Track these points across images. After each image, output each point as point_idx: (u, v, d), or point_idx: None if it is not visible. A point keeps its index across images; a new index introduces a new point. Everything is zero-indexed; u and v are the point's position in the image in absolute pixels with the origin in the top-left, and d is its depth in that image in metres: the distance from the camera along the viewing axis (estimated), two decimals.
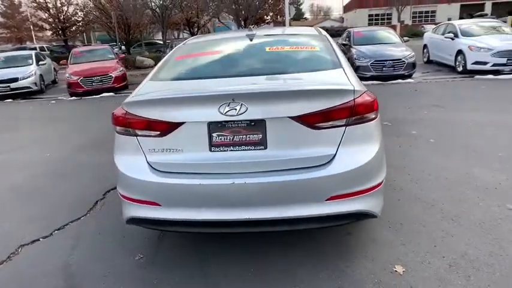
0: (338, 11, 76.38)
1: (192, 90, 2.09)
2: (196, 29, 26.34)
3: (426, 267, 2.22)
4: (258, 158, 2.01)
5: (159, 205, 2.11)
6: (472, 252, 2.32)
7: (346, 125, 2.00)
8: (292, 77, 2.27)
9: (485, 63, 9.16)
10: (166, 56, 2.84)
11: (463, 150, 4.12)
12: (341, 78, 2.18)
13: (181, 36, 30.85)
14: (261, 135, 2.00)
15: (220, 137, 2.02)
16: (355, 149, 2.04)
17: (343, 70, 2.30)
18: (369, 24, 46.80)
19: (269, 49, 2.67)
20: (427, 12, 44.88)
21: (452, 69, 10.41)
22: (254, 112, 1.95)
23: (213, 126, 2.01)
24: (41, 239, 2.92)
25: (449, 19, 41.02)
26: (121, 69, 11.89)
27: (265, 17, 24.38)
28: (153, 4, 17.49)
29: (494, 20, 13.11)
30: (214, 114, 1.97)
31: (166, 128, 2.05)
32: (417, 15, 43.59)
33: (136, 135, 2.13)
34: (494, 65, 9.09)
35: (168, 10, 17.23)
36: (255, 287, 2.18)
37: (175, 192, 2.06)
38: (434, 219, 2.74)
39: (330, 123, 1.99)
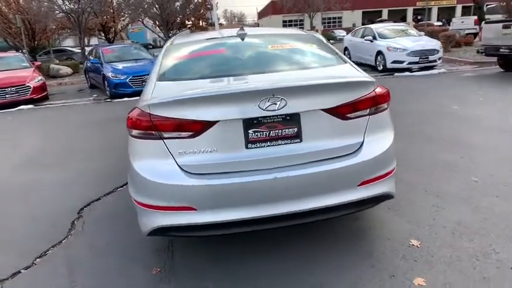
0: (252, 17, 78.88)
1: (225, 88, 2.03)
2: (112, 35, 24.79)
3: (435, 237, 2.47)
4: (295, 151, 2.05)
5: (194, 209, 2.01)
6: (465, 220, 2.65)
7: (369, 115, 2.15)
8: (313, 72, 2.36)
9: (402, 62, 10.38)
10: (161, 57, 2.67)
11: (418, 136, 4.65)
12: (356, 72, 2.33)
13: (93, 43, 28.77)
14: (296, 129, 2.04)
15: (256, 133, 2.01)
16: (378, 136, 2.20)
17: (351, 65, 2.46)
18: None
19: (272, 47, 2.71)
20: (334, 18, 48.86)
21: (373, 68, 11.53)
22: (292, 106, 1.98)
23: (249, 123, 1.99)
24: (22, 271, 2.53)
25: (354, 24, 45.25)
26: (40, 78, 10.72)
27: (186, 21, 24.04)
28: (66, 7, 15.98)
29: (402, 24, 14.86)
30: (252, 110, 1.95)
31: (199, 128, 1.97)
32: (326, 21, 47.13)
33: (163, 138, 1.99)
34: (409, 63, 10.34)
35: (84, 14, 15.92)
36: (294, 283, 2.19)
37: (213, 194, 1.99)
38: (422, 197, 3.06)
39: (357, 113, 2.12)
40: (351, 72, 2.34)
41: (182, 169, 2.00)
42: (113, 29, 24.31)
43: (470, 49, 13.91)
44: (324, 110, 2.05)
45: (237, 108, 1.97)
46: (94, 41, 32.25)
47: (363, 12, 48.49)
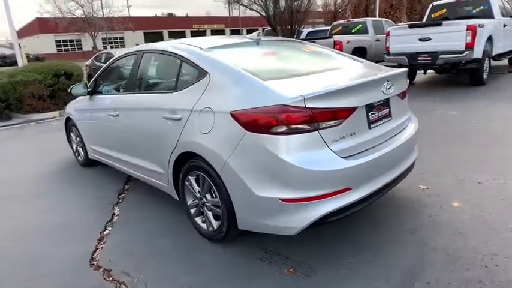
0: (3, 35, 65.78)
1: (359, 77, 2.30)
2: None
3: (430, 180, 3.48)
4: (391, 126, 2.57)
5: (350, 189, 2.21)
6: (427, 168, 3.81)
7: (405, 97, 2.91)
8: (372, 66, 2.90)
9: None
10: (217, 61, 2.53)
11: None
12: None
13: None
14: (388, 109, 2.56)
15: (373, 115, 2.41)
16: (410, 112, 3.00)
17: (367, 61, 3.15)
18: (58, 51, 44.09)
19: (306, 49, 3.05)
20: (115, 38, 47.50)
21: None
22: (392, 91, 2.50)
23: (369, 107, 2.37)
24: None
25: (137, 44, 45.28)
26: None
27: None
28: None
29: None
30: (375, 94, 2.36)
31: (345, 115, 2.19)
32: (107, 41, 45.21)
33: (318, 129, 2.10)
34: None
35: None
36: (392, 237, 2.69)
37: (363, 171, 2.25)
38: None
39: (406, 96, 2.83)
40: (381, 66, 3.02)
41: (337, 155, 2.17)
42: None
43: None
44: (397, 94, 2.66)
45: (367, 94, 2.33)
46: None
47: (144, 32, 49.38)
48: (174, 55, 2.90)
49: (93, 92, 4.06)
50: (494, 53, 8.31)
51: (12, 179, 4.56)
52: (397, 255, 2.41)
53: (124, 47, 46.10)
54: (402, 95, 2.74)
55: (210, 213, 2.65)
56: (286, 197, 2.12)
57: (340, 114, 2.18)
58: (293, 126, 2.06)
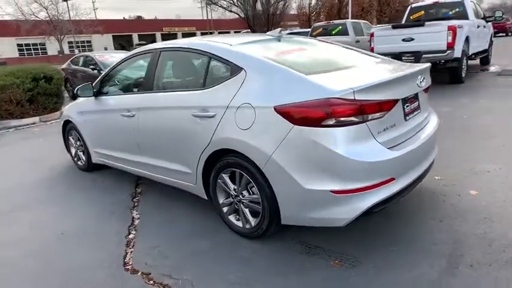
0: None
1: (394, 71, 2.37)
2: None
3: (442, 172, 3.63)
4: (420, 118, 2.67)
5: (393, 179, 2.27)
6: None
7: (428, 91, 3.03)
8: (390, 60, 2.99)
9: None
10: (254, 57, 2.53)
11: None
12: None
13: None
14: (417, 103, 2.66)
15: (407, 107, 2.49)
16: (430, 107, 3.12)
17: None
18: (21, 55, 42.17)
19: (327, 45, 3.11)
20: (83, 42, 45.87)
21: None
22: (424, 84, 2.59)
23: (404, 99, 2.45)
24: None
25: (105, 48, 44.24)
26: None
27: None
28: None
29: None
30: (412, 87, 2.44)
31: (389, 107, 2.26)
32: (74, 44, 43.55)
33: (366, 121, 2.15)
34: None
35: None
36: (421, 222, 2.79)
37: (405, 161, 2.32)
38: None
39: (428, 90, 2.94)
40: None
41: (383, 146, 2.23)
42: None
43: None
44: (424, 89, 2.76)
45: (406, 87, 2.42)
46: None
47: (113, 36, 48.04)
48: (201, 52, 2.86)
49: (98, 93, 3.92)
50: (470, 53, 8.76)
51: (9, 188, 4.30)
52: (433, 241, 2.50)
53: (92, 50, 44.68)
54: (426, 90, 2.85)
55: (247, 210, 2.63)
56: (337, 189, 2.15)
57: (385, 106, 2.24)
58: (342, 118, 2.10)
